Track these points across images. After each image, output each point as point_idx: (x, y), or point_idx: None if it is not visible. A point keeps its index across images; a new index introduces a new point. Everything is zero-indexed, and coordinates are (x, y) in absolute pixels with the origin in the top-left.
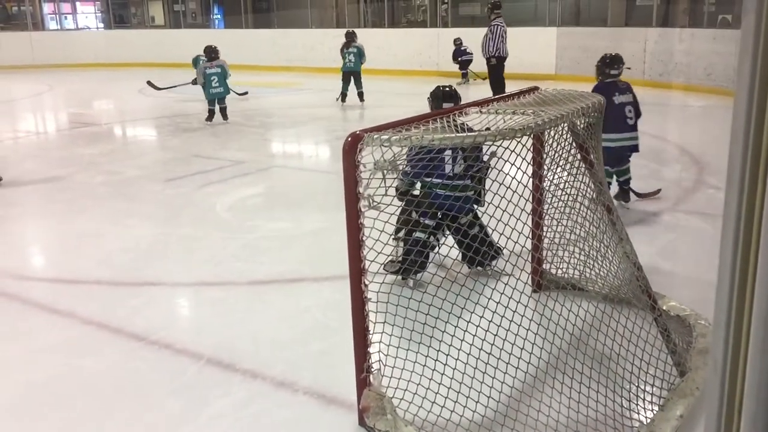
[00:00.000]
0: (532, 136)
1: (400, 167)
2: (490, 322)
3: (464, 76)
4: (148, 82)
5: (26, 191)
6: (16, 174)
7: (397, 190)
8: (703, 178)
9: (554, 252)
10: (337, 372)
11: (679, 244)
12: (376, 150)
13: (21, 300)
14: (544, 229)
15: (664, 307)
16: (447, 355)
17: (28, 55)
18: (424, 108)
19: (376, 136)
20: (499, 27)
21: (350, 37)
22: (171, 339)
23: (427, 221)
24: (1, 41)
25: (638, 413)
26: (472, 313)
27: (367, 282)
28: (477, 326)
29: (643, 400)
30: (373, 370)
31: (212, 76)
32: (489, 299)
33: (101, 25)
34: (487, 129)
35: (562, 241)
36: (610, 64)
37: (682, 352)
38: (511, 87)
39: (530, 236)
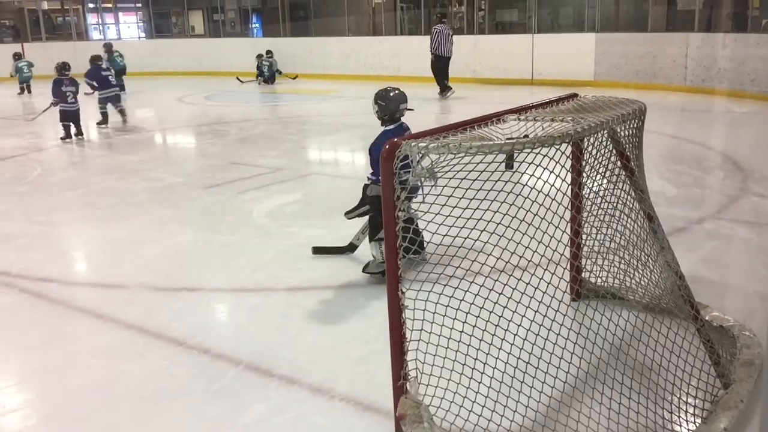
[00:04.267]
0: (570, 143)
1: (439, 175)
2: (527, 330)
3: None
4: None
5: (70, 198)
6: (61, 180)
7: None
8: (747, 185)
9: (593, 260)
10: (374, 379)
11: (722, 252)
12: (413, 158)
13: (65, 305)
14: (583, 237)
15: (707, 318)
16: (484, 364)
17: (72, 64)
18: (462, 115)
19: (414, 144)
20: (434, 31)
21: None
22: (209, 344)
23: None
24: (46, 51)
25: (680, 425)
26: (509, 321)
27: (404, 289)
28: (515, 334)
29: (686, 412)
30: (409, 377)
31: (23, 68)
32: (527, 307)
33: (143, 34)
34: (525, 136)
35: (601, 250)
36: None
37: (725, 364)
38: (549, 94)
39: (569, 244)
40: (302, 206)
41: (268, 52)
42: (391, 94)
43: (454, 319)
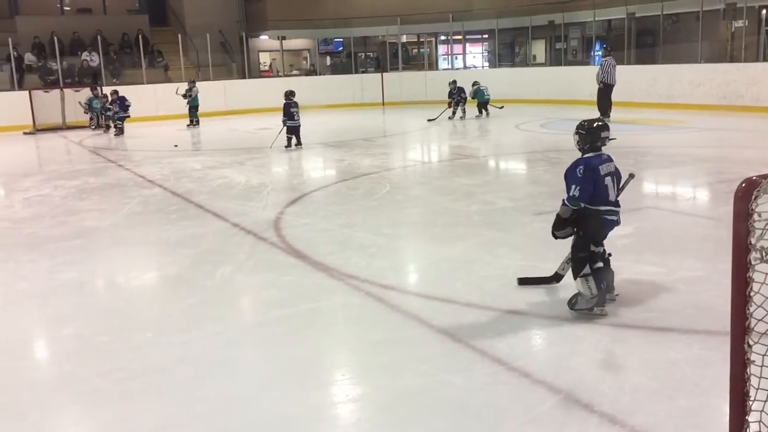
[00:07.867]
0: None
1: None
2: None
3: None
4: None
5: (413, 214)
6: (405, 198)
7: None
8: None
9: None
10: None
11: None
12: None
13: (402, 312)
14: None
15: None
16: None
17: (422, 91)
18: None
19: None
20: (605, 63)
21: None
22: (530, 368)
23: (598, 249)
24: (402, 79)
25: None
26: None
27: (751, 342)
28: None
29: None
30: None
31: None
32: None
33: (486, 64)
34: None
35: None
36: None
37: None
38: None
39: None
40: (634, 241)
41: (475, 82)
42: (593, 125)
43: None
